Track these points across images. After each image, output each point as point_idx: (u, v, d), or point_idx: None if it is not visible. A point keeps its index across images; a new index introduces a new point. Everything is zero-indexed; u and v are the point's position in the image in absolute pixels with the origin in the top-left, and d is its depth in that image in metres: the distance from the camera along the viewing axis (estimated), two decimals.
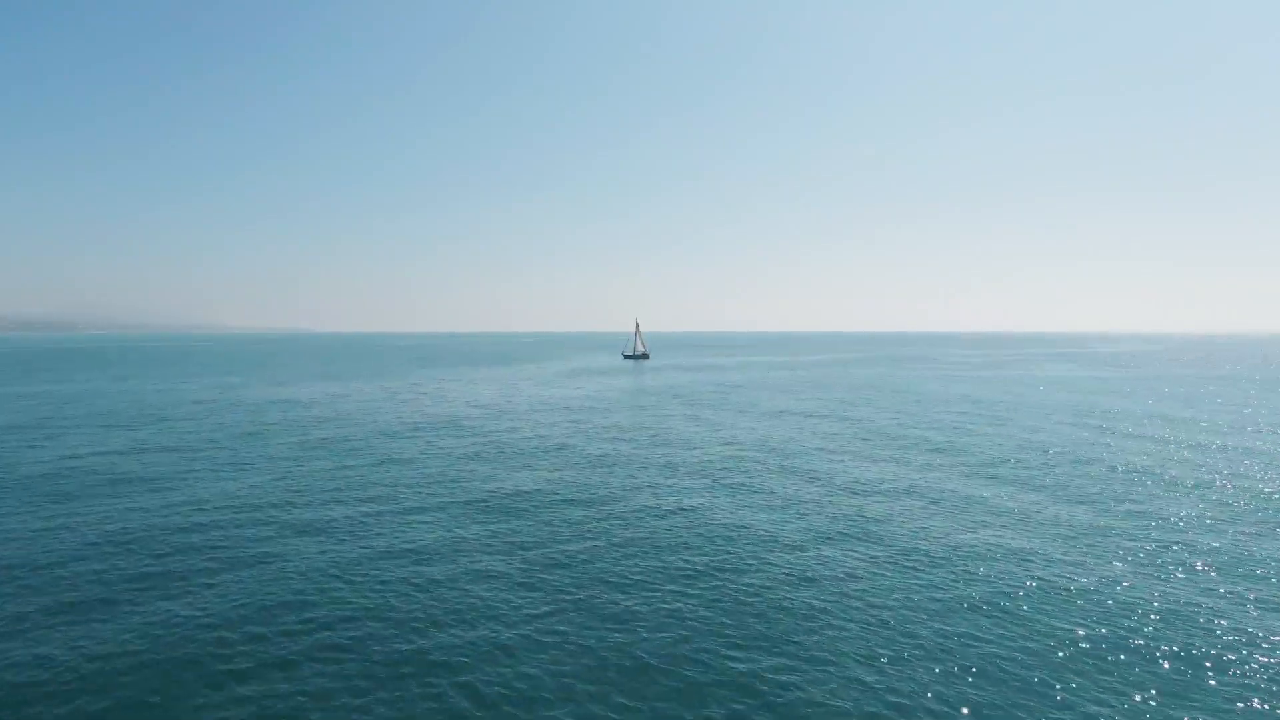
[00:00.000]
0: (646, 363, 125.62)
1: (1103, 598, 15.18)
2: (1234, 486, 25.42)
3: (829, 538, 19.29)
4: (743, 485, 25.58)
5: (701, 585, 16.00)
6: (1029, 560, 17.51)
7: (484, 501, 23.15)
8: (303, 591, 15.48)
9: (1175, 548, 18.53)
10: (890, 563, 17.32)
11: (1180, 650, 12.89)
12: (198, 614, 14.24)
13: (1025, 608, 14.66)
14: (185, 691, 11.55)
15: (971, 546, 18.53)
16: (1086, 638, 13.34)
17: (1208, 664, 12.45)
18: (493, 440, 35.59)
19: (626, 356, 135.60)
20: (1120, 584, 15.96)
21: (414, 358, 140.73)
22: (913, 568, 16.97)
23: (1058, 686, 11.70)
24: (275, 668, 12.24)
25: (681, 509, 22.80)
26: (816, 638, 13.39)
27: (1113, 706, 11.13)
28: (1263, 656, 12.65)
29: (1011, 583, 15.99)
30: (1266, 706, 11.17)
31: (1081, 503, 23.13)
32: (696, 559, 17.67)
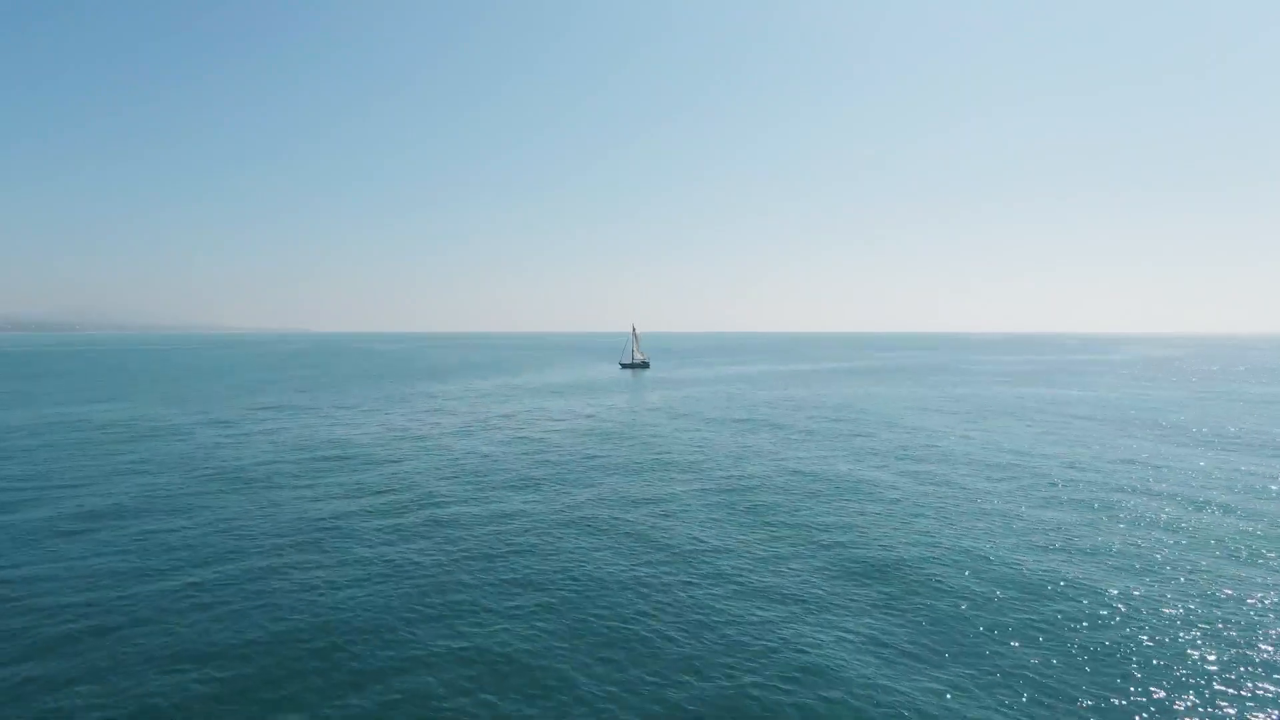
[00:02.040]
0: (646, 373, 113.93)
1: None
2: None
3: None
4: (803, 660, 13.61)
5: None
6: None
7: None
8: None
9: None
10: None
11: None
12: None
13: None
14: None
15: None
16: None
17: None
18: (418, 512, 23.68)
19: (624, 366, 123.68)
20: None
21: (389, 365, 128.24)
22: None
23: None
24: None
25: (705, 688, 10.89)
26: None
27: None
28: None
29: None
30: None
31: None
32: None
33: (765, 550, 21.23)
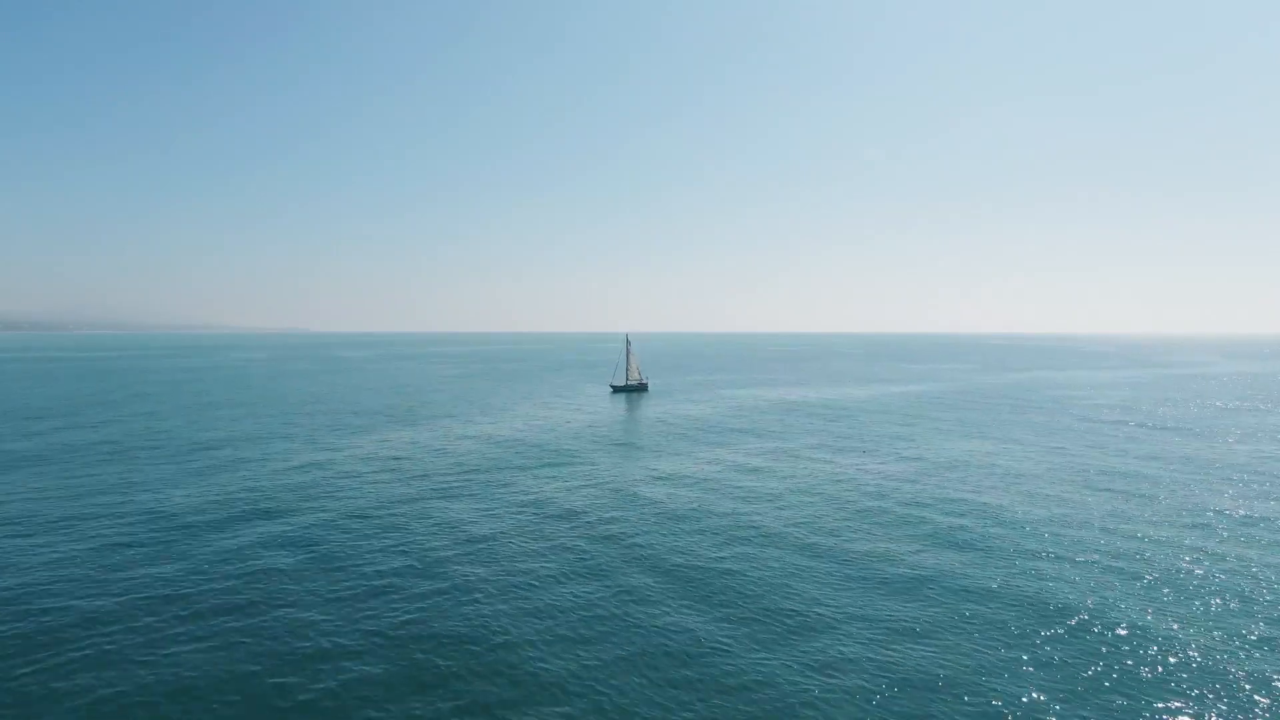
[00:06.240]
0: (644, 398, 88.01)
1: None
2: None
3: None
4: None
5: None
6: None
7: None
8: None
9: None
10: None
11: None
12: None
13: None
14: None
15: None
16: None
17: None
18: None
19: (616, 389, 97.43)
20: None
21: (309, 390, 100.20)
22: None
23: None
24: None
25: None
26: None
27: None
28: None
29: None
30: None
31: None
32: None
33: None
